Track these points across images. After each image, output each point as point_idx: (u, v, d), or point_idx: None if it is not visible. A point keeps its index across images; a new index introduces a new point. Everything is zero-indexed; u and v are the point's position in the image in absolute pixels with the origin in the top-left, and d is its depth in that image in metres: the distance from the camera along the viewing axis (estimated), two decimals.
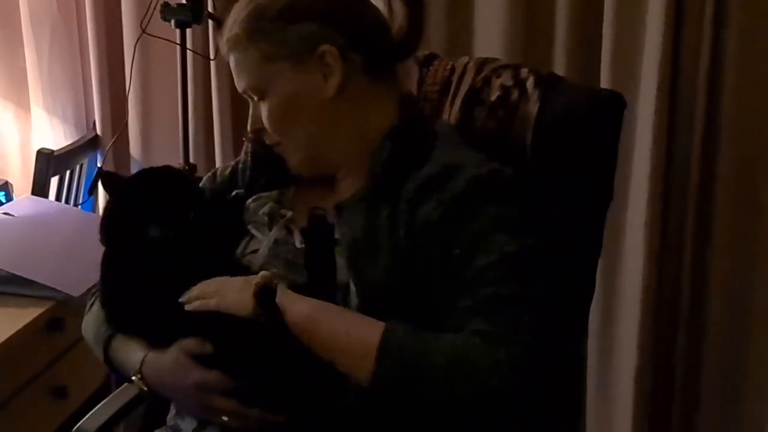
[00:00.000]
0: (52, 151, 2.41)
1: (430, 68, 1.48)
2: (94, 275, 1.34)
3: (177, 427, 1.30)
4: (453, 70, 1.46)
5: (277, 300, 1.16)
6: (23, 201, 2.31)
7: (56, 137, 2.65)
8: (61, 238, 2.12)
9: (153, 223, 1.26)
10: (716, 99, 1.96)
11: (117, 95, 2.57)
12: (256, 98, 1.28)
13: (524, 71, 1.41)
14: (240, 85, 1.29)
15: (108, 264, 1.32)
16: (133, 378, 1.28)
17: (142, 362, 1.26)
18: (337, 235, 1.23)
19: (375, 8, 1.30)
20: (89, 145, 2.60)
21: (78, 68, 2.65)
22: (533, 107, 1.36)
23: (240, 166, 1.41)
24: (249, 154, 1.40)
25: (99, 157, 2.62)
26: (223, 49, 1.29)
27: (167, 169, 1.33)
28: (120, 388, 1.50)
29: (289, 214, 1.32)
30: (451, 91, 1.44)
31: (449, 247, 1.17)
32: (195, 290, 1.22)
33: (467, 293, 1.14)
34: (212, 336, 1.19)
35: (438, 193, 1.19)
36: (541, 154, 1.35)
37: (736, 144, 1.97)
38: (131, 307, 1.29)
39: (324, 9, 1.25)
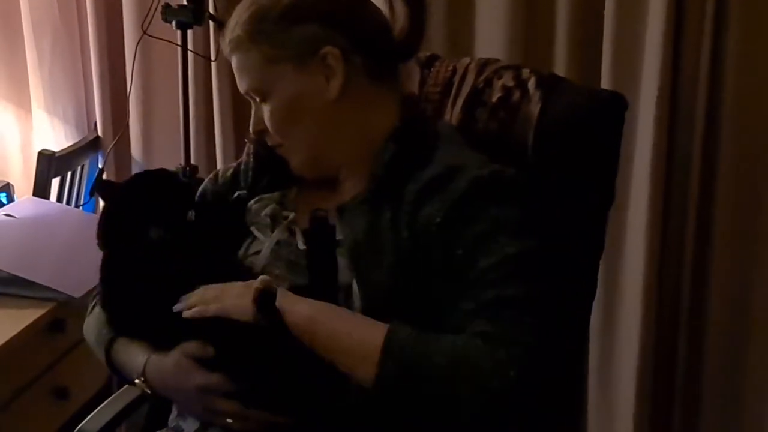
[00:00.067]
0: (54, 152, 2.41)
1: (432, 69, 1.48)
2: (95, 276, 1.34)
3: (179, 428, 1.30)
4: (454, 71, 1.46)
5: (277, 302, 1.16)
6: (24, 202, 2.31)
7: (57, 138, 2.65)
8: (62, 239, 2.13)
9: (151, 225, 1.27)
10: (717, 99, 1.96)
11: (118, 96, 2.57)
12: (258, 99, 1.29)
13: (526, 72, 1.41)
14: (242, 86, 1.29)
15: (107, 267, 1.32)
16: (136, 381, 1.28)
17: (145, 365, 1.26)
18: (339, 237, 1.23)
19: (377, 9, 1.30)
20: (90, 146, 2.60)
21: (79, 69, 2.65)
22: (535, 108, 1.36)
23: (242, 167, 1.41)
24: (251, 156, 1.40)
25: (100, 158, 2.62)
26: (226, 50, 1.30)
27: (163, 172, 1.34)
28: (121, 390, 1.50)
29: (291, 215, 1.32)
30: (453, 92, 1.44)
31: (451, 248, 1.17)
32: (194, 296, 1.22)
33: (469, 295, 1.14)
34: (214, 339, 1.19)
35: (440, 194, 1.19)
36: (543, 154, 1.35)
37: (736, 144, 1.97)
38: (132, 309, 1.29)
39: (326, 11, 1.25)
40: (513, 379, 1.09)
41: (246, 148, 1.42)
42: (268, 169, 1.37)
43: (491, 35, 2.10)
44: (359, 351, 1.13)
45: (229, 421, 1.19)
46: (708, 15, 1.92)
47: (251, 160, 1.40)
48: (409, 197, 1.21)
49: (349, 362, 1.14)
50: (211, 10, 2.19)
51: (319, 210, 1.26)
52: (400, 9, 1.31)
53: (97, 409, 1.49)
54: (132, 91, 2.44)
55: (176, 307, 1.21)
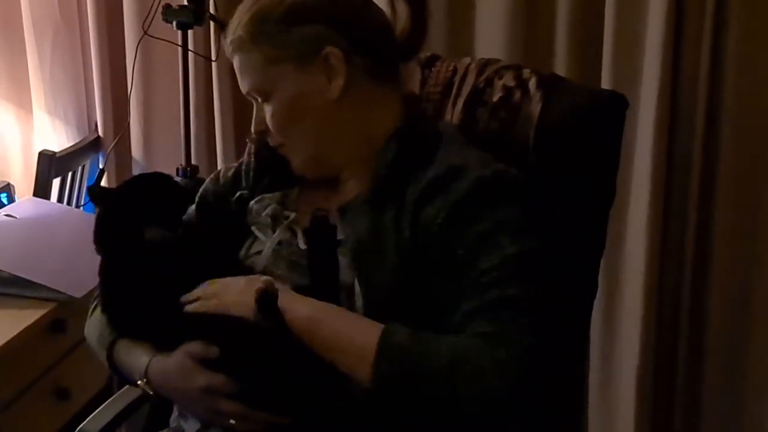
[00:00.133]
0: (54, 152, 2.41)
1: (432, 69, 1.48)
2: (96, 277, 1.33)
3: (180, 428, 1.30)
4: (455, 71, 1.46)
5: (278, 302, 1.16)
6: (25, 203, 2.31)
7: (58, 139, 2.65)
8: (63, 239, 2.13)
9: (146, 226, 1.27)
10: (717, 99, 1.96)
11: (119, 97, 2.57)
12: (260, 100, 1.29)
13: (526, 72, 1.41)
14: (244, 86, 1.29)
15: (106, 269, 1.32)
16: (139, 382, 1.28)
17: (147, 366, 1.26)
18: (340, 237, 1.23)
19: (378, 10, 1.30)
20: (91, 146, 2.60)
21: (80, 70, 2.65)
22: (535, 108, 1.37)
23: (243, 167, 1.41)
24: (252, 156, 1.40)
25: (101, 159, 2.62)
26: (227, 50, 1.30)
27: (156, 174, 1.35)
28: (122, 390, 1.50)
29: (293, 215, 1.32)
30: (453, 92, 1.44)
31: (452, 248, 1.17)
32: (196, 291, 1.22)
33: (470, 295, 1.14)
34: (215, 339, 1.19)
35: (443, 194, 1.19)
36: (544, 154, 1.35)
37: (736, 144, 1.97)
38: (132, 310, 1.29)
39: (327, 11, 1.25)
40: (513, 380, 1.09)
41: (247, 148, 1.42)
42: (270, 169, 1.37)
43: (491, 35, 2.10)
44: (357, 351, 1.13)
45: (232, 422, 1.19)
46: (708, 15, 1.92)
47: (252, 160, 1.40)
48: (410, 197, 1.21)
49: (349, 362, 1.14)
50: (211, 10, 2.19)
51: (319, 210, 1.26)
52: (402, 9, 1.31)
53: (98, 410, 1.49)
54: (133, 91, 2.44)
55: (183, 298, 1.22)
